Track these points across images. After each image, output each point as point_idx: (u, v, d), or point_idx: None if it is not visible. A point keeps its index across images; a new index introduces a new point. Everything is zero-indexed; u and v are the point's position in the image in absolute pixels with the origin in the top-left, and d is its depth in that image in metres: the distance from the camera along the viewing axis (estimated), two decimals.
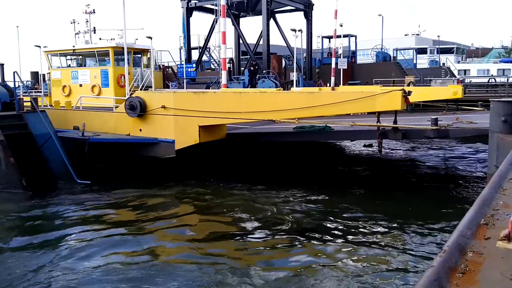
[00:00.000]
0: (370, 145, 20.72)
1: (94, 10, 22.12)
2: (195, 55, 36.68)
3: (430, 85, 28.15)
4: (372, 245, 9.22)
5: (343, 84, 29.23)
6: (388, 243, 9.33)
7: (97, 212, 11.94)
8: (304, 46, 34.67)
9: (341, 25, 31.21)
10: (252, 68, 28.86)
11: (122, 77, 19.36)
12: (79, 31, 22.55)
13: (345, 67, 30.89)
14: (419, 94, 19.92)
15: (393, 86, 26.50)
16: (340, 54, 32.90)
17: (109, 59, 20.70)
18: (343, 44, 34.83)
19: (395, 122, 13.16)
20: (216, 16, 30.97)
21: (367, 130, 14.05)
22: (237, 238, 10.07)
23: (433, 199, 12.88)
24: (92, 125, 16.18)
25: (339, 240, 9.60)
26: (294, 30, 29.44)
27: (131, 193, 13.76)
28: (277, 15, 36.18)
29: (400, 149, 22.03)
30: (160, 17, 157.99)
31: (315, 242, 9.56)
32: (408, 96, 11.30)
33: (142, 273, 8.02)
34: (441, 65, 40.98)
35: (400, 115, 14.47)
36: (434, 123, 12.58)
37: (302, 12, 36.04)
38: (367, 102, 11.67)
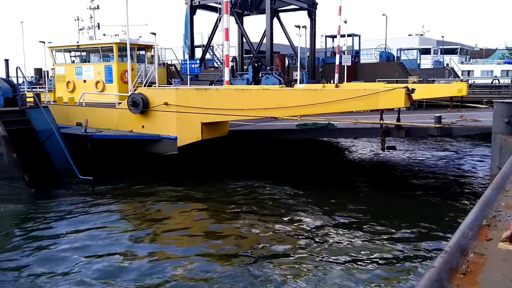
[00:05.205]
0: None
1: (98, 6, 22.15)
2: (198, 53, 36.66)
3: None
4: (373, 245, 9.20)
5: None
6: (388, 244, 9.30)
7: (98, 208, 11.94)
8: (308, 45, 34.60)
9: (345, 22, 31.12)
10: (256, 64, 28.82)
11: (126, 73, 19.35)
12: (83, 27, 22.57)
13: (349, 64, 30.77)
14: (423, 92, 19.77)
15: None
16: (344, 51, 32.78)
17: (113, 55, 20.72)
18: (347, 42, 34.76)
19: (398, 119, 13.10)
20: (219, 14, 30.93)
21: (370, 127, 14.00)
22: (238, 238, 10.04)
23: (435, 199, 12.84)
24: (94, 121, 16.19)
25: (340, 240, 9.58)
26: (298, 27, 29.32)
27: (133, 190, 13.77)
28: (280, 14, 36.14)
29: (402, 149, 21.95)
30: (164, 15, 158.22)
31: (314, 242, 9.54)
32: (412, 94, 11.24)
33: (143, 273, 8.01)
34: (444, 65, 40.86)
35: (404, 112, 14.38)
36: (438, 121, 12.51)
37: (305, 12, 35.99)
38: (370, 99, 11.60)
